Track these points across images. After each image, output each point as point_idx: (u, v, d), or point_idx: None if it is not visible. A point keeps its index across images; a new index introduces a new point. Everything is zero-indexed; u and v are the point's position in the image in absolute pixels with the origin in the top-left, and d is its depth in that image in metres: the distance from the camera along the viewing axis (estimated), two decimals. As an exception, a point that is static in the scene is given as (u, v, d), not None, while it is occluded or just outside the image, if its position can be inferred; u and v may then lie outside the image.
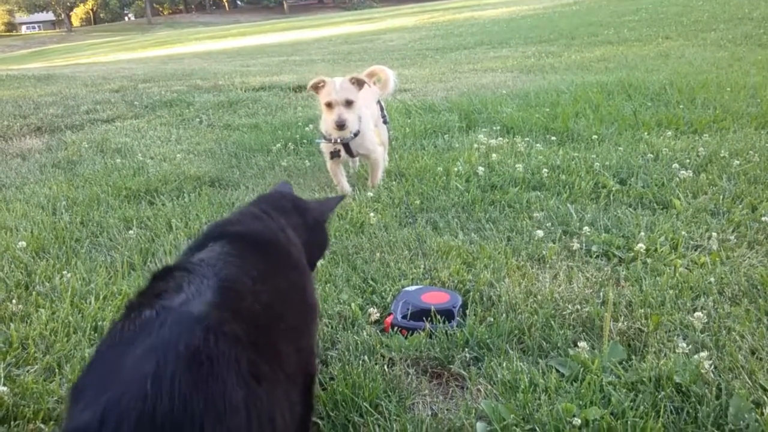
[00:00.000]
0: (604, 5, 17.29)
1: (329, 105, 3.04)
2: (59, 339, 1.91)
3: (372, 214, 2.78)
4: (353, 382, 1.60)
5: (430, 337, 1.81)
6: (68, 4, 63.05)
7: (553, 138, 3.89)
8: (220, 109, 6.16)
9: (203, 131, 5.17)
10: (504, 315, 1.89)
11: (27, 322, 2.03)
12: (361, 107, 3.12)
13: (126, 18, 73.18)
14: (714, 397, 1.46)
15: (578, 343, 1.71)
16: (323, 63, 11.04)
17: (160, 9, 73.31)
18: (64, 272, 2.38)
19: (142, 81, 8.81)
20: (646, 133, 3.81)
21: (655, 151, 3.41)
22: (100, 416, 0.74)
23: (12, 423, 1.54)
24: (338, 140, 3.11)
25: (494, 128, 4.28)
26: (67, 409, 0.83)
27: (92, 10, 71.22)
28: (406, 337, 1.81)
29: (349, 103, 3.02)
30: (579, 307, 1.91)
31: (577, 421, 1.40)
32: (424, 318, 1.86)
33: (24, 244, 2.68)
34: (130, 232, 2.81)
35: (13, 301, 2.18)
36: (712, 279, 2.01)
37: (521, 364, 1.65)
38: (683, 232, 2.37)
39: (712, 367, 1.56)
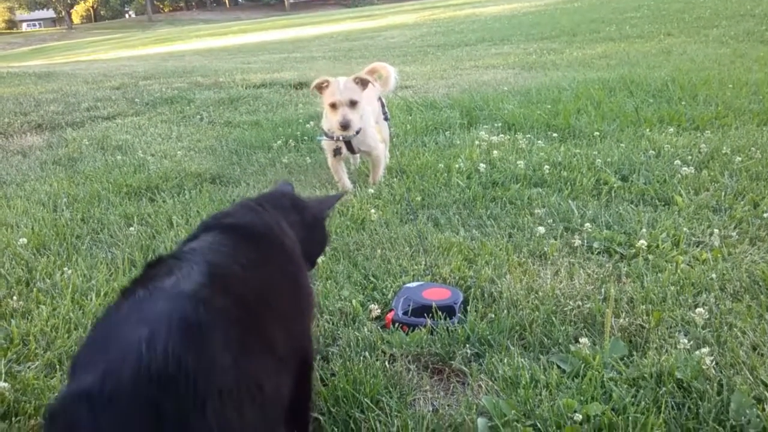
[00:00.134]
0: (605, 2, 17.24)
1: (333, 105, 3.04)
2: (60, 335, 1.91)
3: (373, 211, 2.78)
4: (354, 378, 1.60)
5: (431, 334, 1.81)
6: (69, 1, 62.99)
7: (555, 135, 3.88)
8: (221, 106, 6.15)
9: (204, 128, 5.17)
10: (505, 311, 1.89)
11: (28, 319, 2.03)
12: (363, 106, 3.11)
13: (126, 15, 73.13)
14: (715, 393, 1.46)
15: (579, 339, 1.70)
16: (324, 60, 11.03)
17: (161, 6, 73.26)
18: (65, 269, 2.38)
19: (142, 78, 8.81)
20: (647, 130, 3.80)
21: (657, 147, 3.40)
22: (101, 378, 0.78)
23: (13, 419, 1.54)
24: (340, 138, 3.10)
25: (495, 125, 4.27)
26: (68, 377, 0.87)
27: (93, 7, 71.17)
28: (407, 334, 1.81)
29: (353, 104, 3.01)
30: (580, 303, 1.90)
31: (578, 417, 1.40)
32: (425, 314, 1.86)
33: (25, 240, 2.68)
34: (131, 228, 2.81)
35: (14, 297, 2.18)
36: (714, 275, 2.01)
37: (522, 360, 1.65)
38: (685, 229, 2.36)
39: (714, 363, 1.56)
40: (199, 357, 0.82)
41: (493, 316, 1.87)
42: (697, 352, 1.58)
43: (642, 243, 2.24)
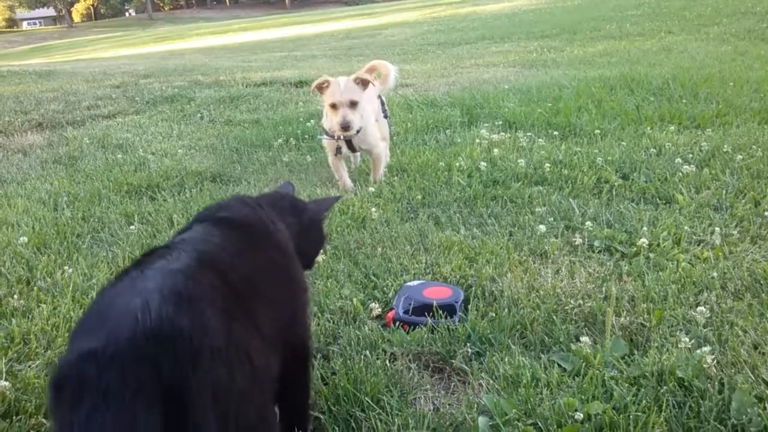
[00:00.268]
0: (606, 0, 17.21)
1: (333, 106, 3.03)
2: (61, 334, 1.91)
3: (374, 210, 2.78)
4: (355, 377, 1.60)
5: (432, 332, 1.80)
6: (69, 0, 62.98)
7: (556, 133, 3.88)
8: (222, 104, 6.15)
9: (204, 127, 5.17)
10: (506, 310, 1.89)
11: (28, 318, 2.03)
12: (364, 105, 3.11)
13: (127, 14, 73.09)
14: (716, 392, 1.45)
15: (580, 338, 1.70)
16: (324, 58, 11.02)
17: (161, 5, 73.22)
18: (66, 267, 2.38)
19: (143, 77, 8.80)
20: (648, 128, 3.80)
21: (658, 145, 3.39)
22: (103, 340, 0.83)
23: (14, 418, 1.54)
24: (341, 137, 3.10)
25: (496, 123, 4.27)
26: (68, 346, 0.92)
27: (93, 5, 71.17)
28: (407, 332, 1.81)
29: (353, 104, 3.01)
30: (581, 302, 1.90)
31: (579, 416, 1.40)
32: (426, 313, 1.86)
33: (25, 239, 2.68)
34: (132, 227, 2.80)
35: (15, 296, 2.18)
36: (715, 274, 2.01)
37: (523, 358, 1.65)
38: (686, 227, 2.36)
39: (715, 361, 1.56)
40: (191, 319, 0.89)
41: (493, 314, 1.87)
42: (699, 351, 1.58)
43: (643, 241, 2.24)
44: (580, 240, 2.33)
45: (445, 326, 1.80)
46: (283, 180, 2.79)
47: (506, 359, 1.65)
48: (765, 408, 1.40)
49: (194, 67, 10.20)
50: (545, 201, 2.78)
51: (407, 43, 12.60)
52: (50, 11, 69.54)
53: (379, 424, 1.46)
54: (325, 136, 3.21)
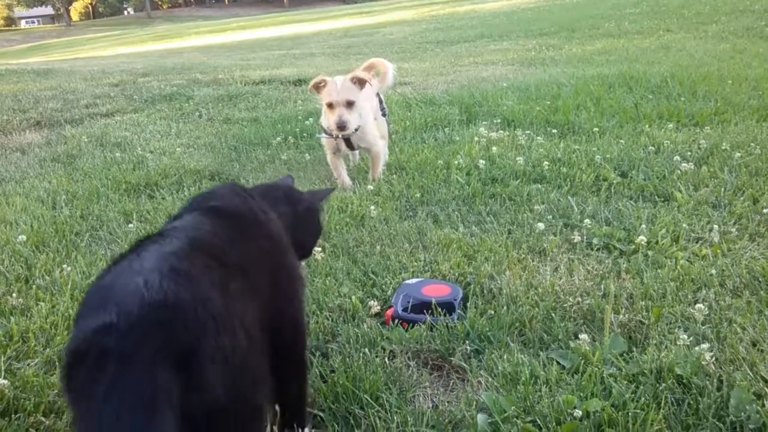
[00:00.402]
0: (605, -2, 17.21)
1: (330, 105, 3.03)
2: (59, 332, 1.91)
3: (372, 208, 2.78)
4: (354, 374, 1.60)
5: (431, 330, 1.80)
6: (67, -2, 62.83)
7: (554, 131, 3.88)
8: (220, 102, 6.14)
9: (203, 125, 5.16)
10: (505, 307, 1.89)
11: (27, 316, 2.03)
12: (362, 103, 3.10)
13: (125, 12, 72.96)
14: (715, 389, 1.46)
15: (579, 336, 1.70)
16: (323, 56, 11.01)
17: (159, 3, 73.10)
18: (64, 266, 2.38)
19: (141, 75, 8.78)
20: (647, 126, 3.80)
21: (657, 143, 3.39)
22: (115, 314, 0.87)
23: (13, 416, 1.54)
24: (339, 135, 3.10)
25: (495, 121, 4.27)
26: (75, 324, 0.95)
27: (91, 4, 71.00)
28: (406, 330, 1.81)
29: (350, 104, 3.01)
30: (580, 299, 1.90)
31: (578, 413, 1.40)
32: (424, 311, 1.86)
33: (24, 237, 2.67)
34: (130, 225, 2.80)
35: (14, 294, 2.18)
36: (714, 271, 2.01)
37: (522, 356, 1.65)
38: (684, 225, 2.36)
39: (713, 358, 1.56)
40: (192, 292, 0.95)
41: (492, 312, 1.87)
42: (697, 348, 1.58)
43: (641, 239, 2.24)
44: (579, 238, 2.34)
45: (444, 324, 1.80)
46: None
47: (505, 357, 1.65)
48: (763, 405, 1.40)
49: (193, 65, 10.19)
50: (544, 199, 2.78)
51: (406, 42, 12.59)
52: (48, 10, 69.41)
53: (378, 421, 1.46)
54: (323, 135, 3.21)
